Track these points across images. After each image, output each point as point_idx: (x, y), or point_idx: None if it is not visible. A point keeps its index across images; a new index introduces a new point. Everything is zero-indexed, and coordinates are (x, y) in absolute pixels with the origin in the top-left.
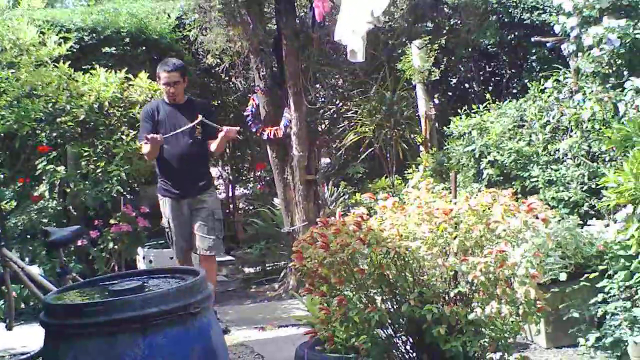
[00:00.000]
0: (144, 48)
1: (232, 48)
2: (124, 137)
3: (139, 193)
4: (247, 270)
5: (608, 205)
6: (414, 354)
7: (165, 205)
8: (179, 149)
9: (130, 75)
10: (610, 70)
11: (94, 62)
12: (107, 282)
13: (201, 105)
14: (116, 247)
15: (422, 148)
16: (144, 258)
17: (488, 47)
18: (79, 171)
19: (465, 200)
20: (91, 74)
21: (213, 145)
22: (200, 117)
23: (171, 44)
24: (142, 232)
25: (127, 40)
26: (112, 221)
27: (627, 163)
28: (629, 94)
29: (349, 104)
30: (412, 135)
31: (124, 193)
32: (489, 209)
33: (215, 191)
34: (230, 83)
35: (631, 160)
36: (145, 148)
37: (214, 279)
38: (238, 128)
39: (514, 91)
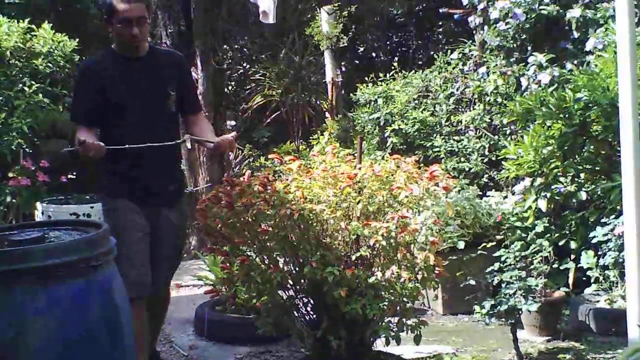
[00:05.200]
0: None
1: None
2: (26, 88)
3: (40, 147)
4: None
5: (507, 178)
6: (314, 315)
7: (115, 211)
8: (141, 127)
9: (33, 26)
10: (515, 45)
11: None
12: (6, 233)
13: (171, 59)
14: (14, 200)
15: (328, 114)
16: (42, 213)
17: (396, 17)
18: None
19: (370, 166)
20: None
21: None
22: (187, 137)
23: None
24: (42, 186)
25: None
26: (10, 174)
27: (527, 136)
28: (532, 69)
29: (257, 66)
30: (319, 101)
31: (24, 147)
32: (392, 175)
33: (184, 202)
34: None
35: (532, 133)
36: (81, 138)
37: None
38: (234, 135)
39: (420, 62)
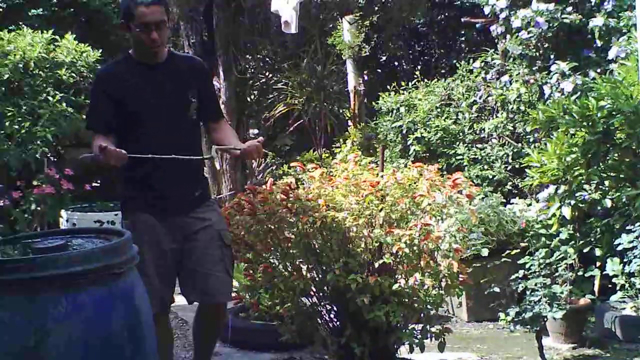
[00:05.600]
0: (71, 10)
1: None
2: (50, 98)
3: (64, 156)
4: None
5: (531, 185)
6: (338, 323)
7: (135, 225)
8: (162, 136)
9: (57, 37)
10: (537, 53)
11: (20, 23)
12: (29, 240)
13: (191, 65)
14: (39, 208)
15: (350, 123)
16: (67, 221)
17: (419, 26)
18: (2, 131)
19: (392, 174)
20: (17, 33)
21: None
22: (213, 148)
23: (100, 7)
24: (66, 194)
25: (55, 1)
26: (35, 182)
27: (550, 144)
28: (555, 77)
29: (279, 75)
30: (341, 110)
31: (49, 155)
32: (415, 183)
33: (215, 202)
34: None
35: (555, 141)
36: (97, 147)
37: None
38: (261, 140)
39: (443, 71)
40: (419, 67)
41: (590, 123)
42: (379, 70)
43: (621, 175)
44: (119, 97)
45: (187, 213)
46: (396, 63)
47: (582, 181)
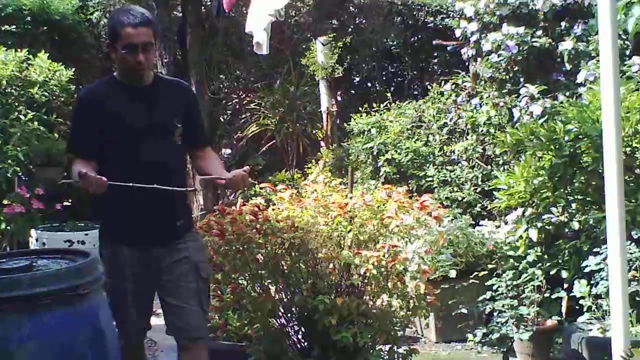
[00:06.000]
0: (45, 28)
1: None
2: (21, 117)
3: (35, 175)
4: None
5: (500, 207)
6: (306, 344)
7: (112, 259)
8: (145, 162)
9: (30, 55)
10: (507, 76)
11: None
12: None
13: (178, 89)
14: (9, 227)
15: (323, 143)
16: (37, 240)
17: (392, 48)
18: None
19: (361, 196)
20: None
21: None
22: (197, 181)
23: (74, 25)
24: (36, 214)
25: (29, 19)
26: (5, 202)
27: (518, 167)
28: (524, 100)
29: (251, 96)
30: (314, 131)
31: (20, 174)
32: (383, 204)
33: (198, 233)
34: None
35: (522, 164)
36: (76, 173)
37: None
38: (247, 169)
39: (415, 93)
40: (392, 88)
41: (557, 146)
42: (353, 92)
43: (588, 198)
44: (101, 119)
45: (166, 244)
46: (369, 84)
47: (549, 204)
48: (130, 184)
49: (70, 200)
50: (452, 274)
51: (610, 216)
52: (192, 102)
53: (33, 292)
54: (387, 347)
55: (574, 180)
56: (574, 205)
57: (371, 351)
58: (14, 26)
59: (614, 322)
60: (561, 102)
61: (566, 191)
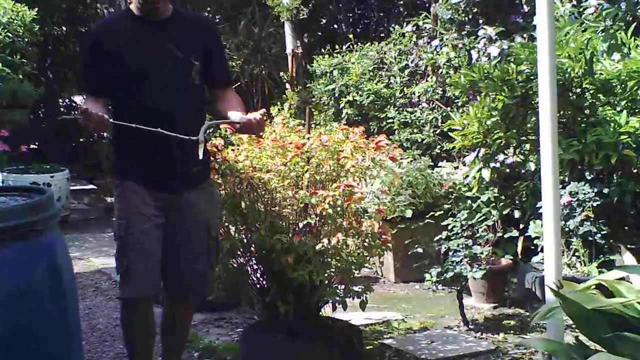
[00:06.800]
0: None
1: None
2: None
3: (1, 116)
4: (109, 199)
5: (460, 148)
6: (264, 282)
7: (124, 194)
8: (160, 101)
9: None
10: (467, 18)
11: None
12: None
13: (198, 24)
14: None
15: (288, 85)
16: (2, 182)
17: None
18: None
19: (318, 137)
20: None
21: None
22: (206, 124)
23: None
24: (2, 155)
25: None
26: None
27: (472, 107)
28: (482, 42)
29: None
30: (281, 73)
31: None
32: (340, 145)
33: (213, 186)
34: (98, 9)
35: (476, 105)
36: (83, 107)
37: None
38: (262, 112)
39: (382, 35)
40: (358, 30)
41: (509, 87)
42: (320, 34)
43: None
44: (112, 55)
45: (180, 192)
46: (336, 26)
47: (502, 144)
48: (133, 125)
49: (36, 143)
50: (408, 214)
51: (544, 159)
52: (214, 39)
53: None
54: (343, 286)
55: (526, 121)
56: (527, 146)
57: (328, 289)
58: None
59: (547, 254)
60: (517, 44)
61: (518, 132)
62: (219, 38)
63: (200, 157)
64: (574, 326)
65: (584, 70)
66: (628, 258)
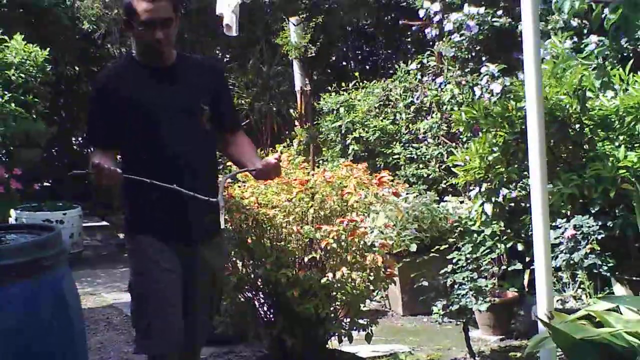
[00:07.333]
0: (21, 10)
1: (109, 15)
2: None
3: (13, 155)
4: (121, 235)
5: (465, 183)
6: (271, 315)
7: (140, 248)
8: (172, 151)
9: (5, 37)
10: (470, 55)
11: None
12: None
13: (204, 68)
14: None
15: (297, 122)
16: (16, 220)
17: (365, 27)
18: None
19: (322, 173)
20: None
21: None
22: (221, 179)
23: (49, 7)
24: (15, 194)
25: (5, 1)
26: None
27: (473, 143)
28: (484, 79)
29: (226, 75)
30: (291, 110)
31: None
32: (344, 181)
33: (222, 235)
34: (110, 49)
35: (477, 141)
36: (94, 161)
37: None
38: (278, 156)
39: (391, 72)
40: (367, 67)
41: (509, 123)
42: (329, 71)
43: None
44: (117, 106)
45: (196, 244)
46: (344, 63)
47: (504, 179)
48: (147, 180)
49: (50, 181)
50: (413, 247)
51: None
52: (221, 81)
53: (0, 264)
54: (349, 319)
55: (526, 157)
56: (526, 181)
57: (333, 322)
58: None
59: (538, 290)
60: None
61: (519, 167)
62: (226, 80)
63: (223, 226)
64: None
65: (580, 107)
66: (618, 289)
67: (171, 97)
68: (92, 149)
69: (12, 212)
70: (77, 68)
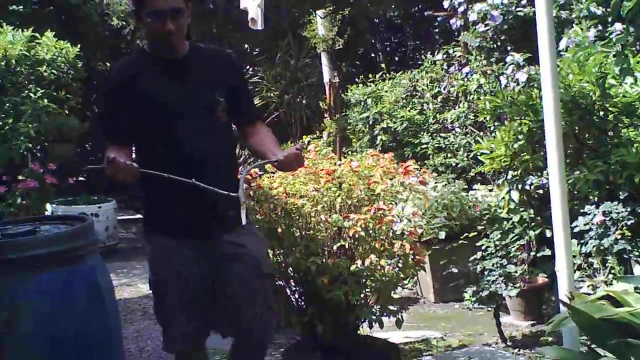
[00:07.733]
0: (51, 8)
1: None
2: (31, 94)
3: (48, 151)
4: None
5: (484, 171)
6: (302, 303)
7: (158, 251)
8: (188, 144)
9: (37, 34)
10: (495, 45)
11: (0, 21)
12: (2, 227)
13: (218, 58)
14: (24, 202)
15: (326, 114)
16: (52, 214)
17: (393, 18)
18: None
19: (348, 162)
20: None
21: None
22: (242, 171)
23: (79, 4)
24: (50, 188)
25: None
26: (19, 177)
27: (499, 131)
28: (510, 68)
29: (255, 69)
30: (319, 102)
31: (34, 150)
32: (371, 170)
33: (253, 224)
34: (139, 45)
35: (503, 129)
36: (110, 156)
37: None
38: (300, 146)
39: (419, 62)
40: (396, 58)
41: (533, 111)
42: (358, 63)
43: (567, 161)
44: (131, 100)
45: (219, 237)
46: (372, 55)
47: (529, 167)
48: (165, 175)
49: (84, 175)
50: (442, 235)
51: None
52: (236, 72)
53: (34, 254)
54: (379, 306)
55: None
56: None
57: (364, 308)
58: (21, 6)
59: (559, 273)
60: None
61: (544, 154)
62: (241, 70)
63: (244, 221)
64: None
65: (601, 93)
66: (638, 270)
67: (185, 89)
68: (108, 145)
69: (48, 206)
70: (107, 64)
